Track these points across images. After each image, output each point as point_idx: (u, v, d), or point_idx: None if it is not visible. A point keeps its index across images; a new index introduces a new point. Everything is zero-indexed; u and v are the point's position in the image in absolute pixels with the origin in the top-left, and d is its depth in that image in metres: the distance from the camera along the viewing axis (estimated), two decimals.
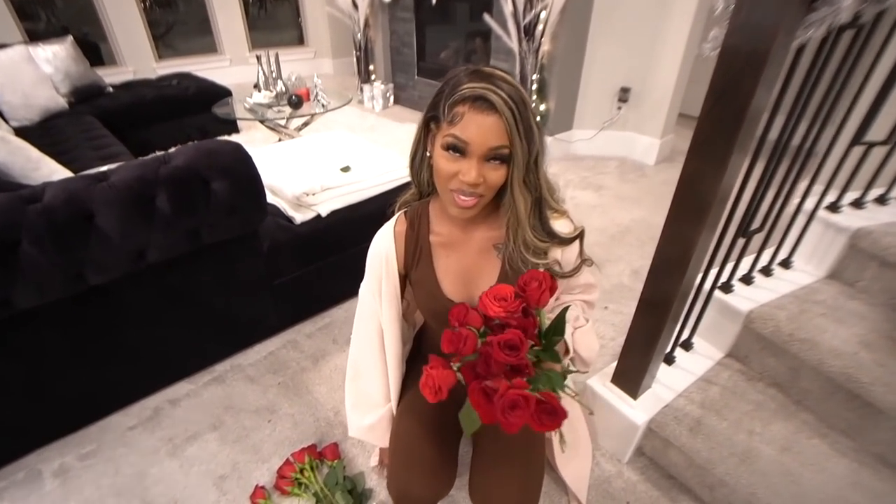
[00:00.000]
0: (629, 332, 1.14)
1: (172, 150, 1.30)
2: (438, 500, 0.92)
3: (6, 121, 2.52)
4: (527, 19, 2.79)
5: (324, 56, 5.63)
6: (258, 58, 2.93)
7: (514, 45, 2.95)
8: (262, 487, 1.21)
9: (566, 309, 0.73)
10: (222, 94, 3.31)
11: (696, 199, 0.85)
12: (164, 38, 4.77)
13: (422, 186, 0.87)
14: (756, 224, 1.11)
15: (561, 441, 0.81)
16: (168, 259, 1.27)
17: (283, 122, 2.98)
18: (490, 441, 0.92)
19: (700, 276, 1.12)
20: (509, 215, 0.78)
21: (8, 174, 1.48)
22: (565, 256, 0.83)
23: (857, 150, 1.19)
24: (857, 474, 1.04)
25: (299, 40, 5.59)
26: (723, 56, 0.71)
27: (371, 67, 4.38)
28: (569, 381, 0.97)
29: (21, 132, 2.38)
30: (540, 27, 2.79)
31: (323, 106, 2.93)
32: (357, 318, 1.00)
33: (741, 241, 1.12)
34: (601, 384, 1.26)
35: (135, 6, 4.32)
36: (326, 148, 2.04)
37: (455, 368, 0.69)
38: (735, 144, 0.75)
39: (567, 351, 0.88)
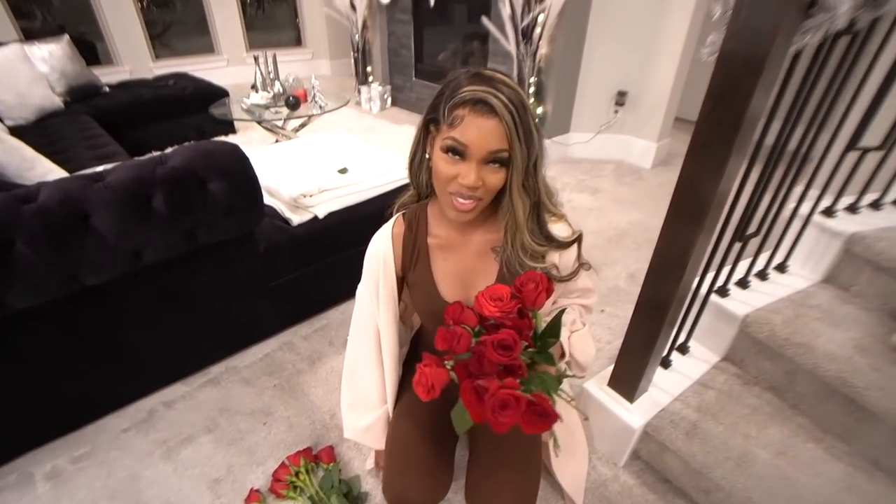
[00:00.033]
0: (626, 336, 1.14)
1: (169, 150, 1.29)
2: None
3: (1, 120, 2.49)
4: (525, 22, 2.80)
5: (321, 57, 5.62)
6: (256, 58, 2.92)
7: (511, 47, 2.96)
8: (257, 491, 1.20)
9: (562, 312, 0.73)
10: (219, 94, 3.30)
11: (695, 201, 0.86)
12: (161, 38, 4.75)
13: (420, 188, 0.87)
14: (752, 228, 1.11)
15: (555, 445, 0.81)
16: (164, 260, 1.26)
17: (280, 123, 2.98)
18: (487, 445, 0.92)
19: (697, 279, 1.12)
20: (507, 219, 0.78)
21: (2, 174, 1.47)
22: (563, 260, 0.84)
23: (852, 156, 1.20)
24: (851, 478, 1.04)
25: (297, 41, 5.58)
26: (721, 60, 0.71)
27: (369, 69, 4.38)
28: (565, 385, 0.97)
29: (16, 131, 2.36)
30: (538, 30, 2.80)
31: (320, 107, 2.93)
32: (354, 320, 1.00)
33: (737, 245, 1.12)
34: (598, 387, 1.26)
35: (132, 5, 4.30)
36: (324, 149, 2.03)
37: (448, 367, 0.69)
38: (733, 148, 0.75)
39: (563, 354, 0.88)
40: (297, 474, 1.22)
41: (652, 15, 2.73)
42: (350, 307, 1.09)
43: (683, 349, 1.34)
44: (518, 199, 0.74)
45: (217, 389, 1.52)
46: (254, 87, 2.98)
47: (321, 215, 1.65)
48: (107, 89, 3.24)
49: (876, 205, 1.38)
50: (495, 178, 0.71)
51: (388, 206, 0.94)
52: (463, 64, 3.82)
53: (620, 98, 3.03)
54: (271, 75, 2.95)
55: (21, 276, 1.04)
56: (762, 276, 1.37)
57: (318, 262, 1.70)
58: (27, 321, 1.14)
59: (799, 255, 1.38)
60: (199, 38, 4.91)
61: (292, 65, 5.00)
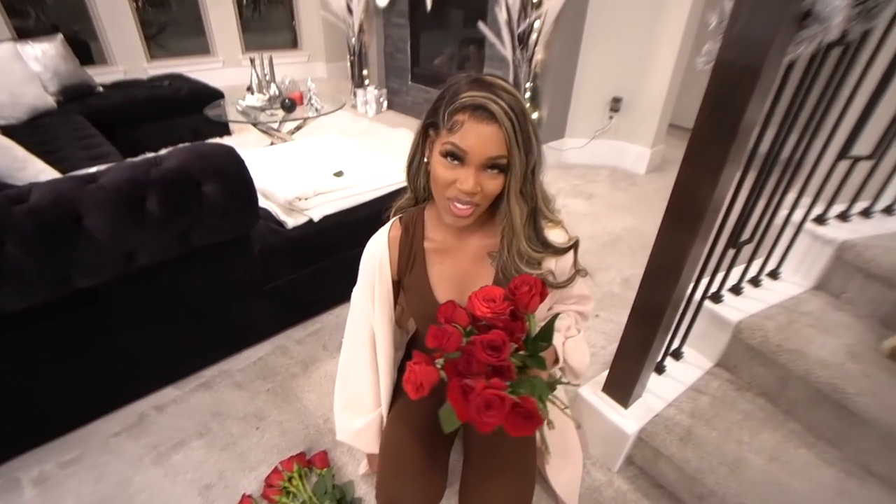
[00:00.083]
0: (621, 341, 1.14)
1: (163, 151, 1.28)
2: None
3: None
4: (521, 28, 2.82)
5: (317, 60, 5.62)
6: (252, 60, 2.91)
7: (507, 53, 2.98)
8: (250, 496, 1.19)
9: (556, 316, 0.74)
10: (215, 95, 3.29)
11: (690, 208, 0.86)
12: (157, 38, 4.74)
13: (418, 192, 0.87)
14: (746, 235, 1.12)
15: (545, 451, 0.81)
16: (157, 262, 1.25)
17: (275, 126, 2.97)
18: (481, 449, 0.92)
19: (691, 285, 1.13)
20: (504, 224, 0.78)
21: None
22: (559, 266, 0.84)
23: (843, 164, 1.22)
24: (843, 483, 1.05)
25: (293, 43, 5.58)
26: (717, 69, 0.72)
27: (365, 72, 4.38)
28: (560, 391, 0.97)
29: (7, 131, 2.32)
30: (534, 36, 2.82)
31: (316, 110, 2.92)
32: (349, 322, 0.99)
33: (731, 252, 1.13)
34: (592, 393, 1.26)
35: (127, 5, 4.29)
36: (319, 152, 2.03)
37: (438, 366, 0.69)
38: (728, 155, 0.76)
39: (557, 360, 0.88)
40: (290, 479, 1.20)
41: (647, 22, 2.76)
42: (345, 311, 1.09)
43: (677, 355, 1.35)
44: (516, 205, 0.74)
45: (209, 393, 1.51)
46: (249, 88, 2.97)
47: (316, 218, 1.64)
48: (101, 89, 3.21)
49: (866, 213, 1.40)
50: (493, 183, 0.71)
51: (386, 209, 0.94)
52: (459, 68, 3.83)
53: (615, 104, 3.05)
54: (267, 77, 2.94)
55: (11, 278, 1.03)
56: (755, 282, 1.38)
57: (313, 265, 1.69)
58: (16, 323, 1.13)
59: (791, 261, 1.39)
60: (194, 39, 4.90)
61: (288, 67, 5.00)
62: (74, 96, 3.00)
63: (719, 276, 1.24)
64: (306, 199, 1.66)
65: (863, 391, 1.05)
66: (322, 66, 5.63)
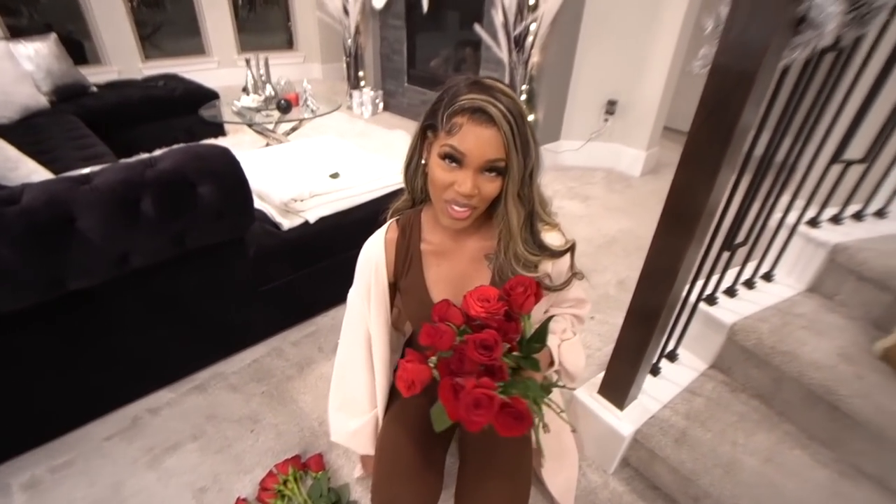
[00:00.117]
0: (617, 344, 1.15)
1: (158, 152, 1.28)
2: None
3: None
4: (517, 30, 2.83)
5: (313, 61, 5.61)
6: (247, 61, 2.90)
7: (503, 55, 2.99)
8: (244, 500, 1.18)
9: (550, 318, 0.74)
10: (210, 96, 3.27)
11: (686, 211, 0.87)
12: (151, 39, 4.70)
13: (415, 193, 0.87)
14: (740, 237, 1.13)
15: (540, 454, 0.81)
16: (152, 264, 1.24)
17: (271, 127, 2.96)
18: (477, 452, 0.91)
19: (686, 287, 1.14)
20: (501, 227, 0.78)
21: None
22: (556, 269, 0.84)
23: (836, 168, 1.23)
24: (836, 484, 1.06)
25: (288, 44, 5.57)
26: (714, 74, 0.73)
27: (361, 73, 4.38)
28: (556, 394, 0.98)
29: None
30: (530, 39, 2.83)
31: (312, 111, 2.92)
32: (345, 324, 0.99)
33: (726, 254, 1.14)
34: (588, 394, 1.27)
35: (121, 5, 4.25)
36: (315, 153, 2.02)
37: (431, 364, 0.69)
38: (724, 159, 0.77)
39: (552, 363, 0.89)
40: (285, 483, 1.20)
41: (642, 26, 2.78)
42: (340, 313, 1.08)
43: (672, 357, 1.36)
44: (513, 208, 0.74)
45: (204, 396, 1.49)
46: (245, 89, 2.96)
47: (312, 220, 1.64)
48: (94, 89, 3.19)
49: (858, 216, 1.41)
50: (491, 186, 0.71)
51: (383, 210, 0.94)
52: (455, 71, 3.84)
53: (610, 107, 3.07)
54: (263, 78, 2.93)
55: (2, 280, 1.02)
56: (749, 284, 1.39)
57: (309, 267, 1.69)
58: (8, 325, 1.11)
59: (785, 264, 1.40)
60: (189, 39, 4.87)
61: (284, 68, 4.98)
62: (68, 96, 2.98)
63: (714, 278, 1.25)
64: (302, 200, 1.65)
65: (855, 393, 1.06)
66: (318, 68, 5.62)
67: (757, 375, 1.25)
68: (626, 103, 3.04)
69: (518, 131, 0.67)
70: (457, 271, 0.86)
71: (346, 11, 4.09)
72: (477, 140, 0.67)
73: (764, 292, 1.37)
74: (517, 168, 0.70)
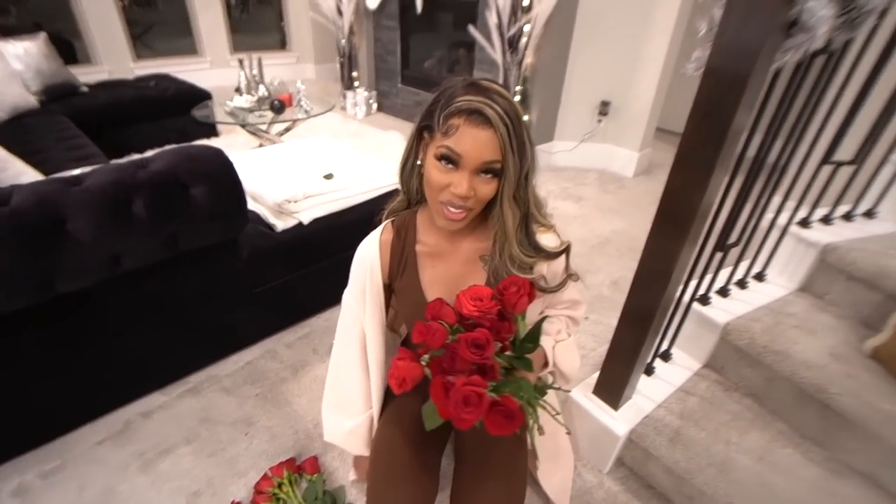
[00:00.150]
0: (611, 344, 1.15)
1: (150, 153, 1.26)
2: None
3: None
4: (511, 32, 2.84)
5: (306, 61, 5.59)
6: (240, 61, 2.89)
7: (497, 56, 2.99)
8: (239, 503, 1.17)
9: (543, 319, 0.74)
10: (202, 96, 3.25)
11: (680, 213, 0.88)
12: (143, 38, 4.66)
13: (411, 194, 0.87)
14: (733, 238, 1.14)
15: (535, 457, 0.82)
16: (144, 266, 1.23)
17: (264, 127, 2.95)
18: (473, 454, 0.91)
19: (680, 288, 1.15)
20: (497, 229, 0.78)
21: None
22: (551, 270, 0.84)
23: (826, 169, 1.25)
24: (827, 482, 1.07)
25: (282, 45, 5.54)
26: (707, 76, 0.74)
27: (354, 74, 4.37)
28: (552, 396, 0.98)
29: None
30: (524, 40, 2.84)
31: (305, 112, 2.91)
32: (340, 324, 0.99)
33: (718, 255, 1.15)
34: (583, 395, 1.27)
35: (112, 4, 4.21)
36: (309, 154, 2.01)
37: (423, 362, 0.69)
38: (718, 161, 0.78)
39: (546, 363, 0.89)
40: (279, 486, 1.19)
41: (635, 28, 2.79)
42: (335, 314, 1.08)
43: (666, 356, 1.36)
44: (508, 209, 0.74)
45: (197, 399, 1.48)
46: (238, 90, 2.94)
47: (306, 221, 1.63)
48: (85, 89, 3.15)
49: (848, 216, 1.43)
50: (487, 188, 0.71)
51: (378, 211, 0.93)
52: (449, 71, 3.84)
53: (604, 108, 3.09)
54: (256, 78, 2.92)
55: None
56: (742, 284, 1.40)
57: (303, 268, 1.68)
58: None
59: (776, 264, 1.42)
60: (181, 39, 4.83)
61: (277, 68, 4.96)
62: (58, 96, 2.94)
63: (707, 278, 1.26)
64: (296, 201, 1.64)
65: (846, 391, 1.07)
66: (311, 68, 5.60)
67: (750, 374, 1.27)
68: (619, 104, 3.06)
69: (514, 133, 0.67)
70: (452, 273, 0.86)
71: (339, 12, 4.08)
72: (473, 142, 0.67)
73: (756, 292, 1.38)
74: (513, 170, 0.70)
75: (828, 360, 1.15)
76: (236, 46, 5.10)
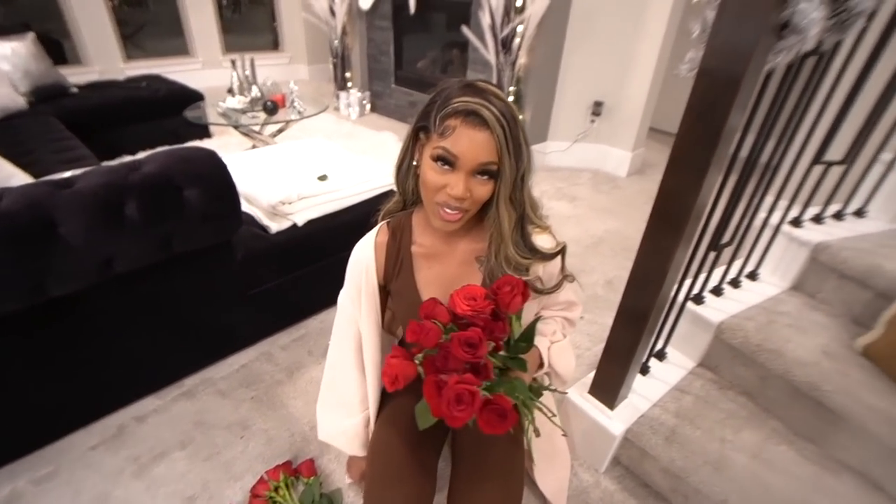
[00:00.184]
0: (607, 344, 1.16)
1: (142, 155, 1.25)
2: None
3: None
4: (504, 32, 2.84)
5: (299, 62, 5.57)
6: (233, 62, 2.87)
7: (491, 57, 3.00)
8: None
9: (537, 319, 0.74)
10: (194, 97, 3.22)
11: (675, 213, 0.88)
12: (133, 39, 4.62)
13: (406, 195, 0.87)
14: (726, 237, 1.15)
15: (531, 458, 0.82)
16: (137, 269, 1.22)
17: (257, 129, 2.93)
18: (470, 455, 0.91)
19: (674, 287, 1.15)
20: (493, 230, 0.78)
21: None
22: (547, 271, 0.84)
23: (817, 169, 1.26)
24: (821, 479, 1.08)
25: (274, 45, 5.51)
26: (701, 77, 0.74)
27: (348, 75, 4.36)
28: (549, 397, 0.98)
29: None
30: (517, 40, 2.84)
31: (299, 112, 2.89)
32: (336, 325, 0.99)
33: (712, 254, 1.16)
34: (579, 395, 1.28)
35: (102, 4, 4.17)
36: (303, 155, 2.00)
37: (417, 361, 0.69)
38: (712, 161, 0.78)
39: (542, 364, 0.89)
40: (276, 489, 1.18)
41: (627, 28, 2.81)
42: (330, 316, 1.07)
43: (661, 356, 1.37)
44: (504, 211, 0.75)
45: (191, 402, 1.47)
46: (230, 90, 2.92)
47: (300, 223, 1.62)
48: (75, 90, 3.12)
49: (839, 216, 1.45)
50: (483, 189, 0.72)
51: (373, 212, 0.93)
52: (442, 72, 3.84)
53: (597, 108, 3.10)
54: (249, 79, 2.90)
55: None
56: (735, 283, 1.41)
57: (297, 270, 1.67)
58: None
59: (769, 263, 1.43)
60: (173, 39, 4.80)
61: (269, 69, 4.93)
62: (47, 97, 2.90)
63: (701, 277, 1.27)
64: (290, 203, 1.64)
65: (839, 389, 1.08)
66: (304, 69, 5.58)
67: (744, 373, 1.28)
68: (612, 104, 3.07)
69: (511, 134, 0.67)
70: (448, 274, 0.86)
71: (332, 12, 4.07)
72: (470, 143, 0.67)
73: (749, 291, 1.40)
74: (509, 171, 0.70)
75: (820, 357, 1.16)
76: (228, 47, 5.07)
